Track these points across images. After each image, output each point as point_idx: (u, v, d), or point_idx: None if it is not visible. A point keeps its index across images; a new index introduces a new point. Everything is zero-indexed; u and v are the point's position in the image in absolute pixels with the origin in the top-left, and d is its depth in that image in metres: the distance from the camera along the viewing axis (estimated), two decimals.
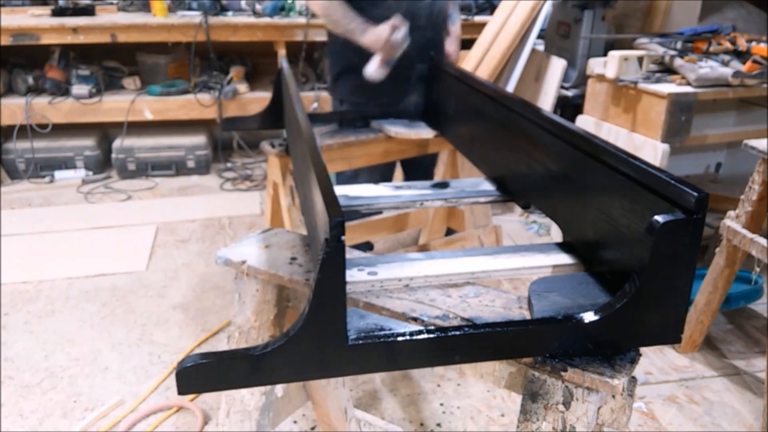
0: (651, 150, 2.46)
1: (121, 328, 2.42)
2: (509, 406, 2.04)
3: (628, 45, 2.72)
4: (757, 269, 2.10)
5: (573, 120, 2.77)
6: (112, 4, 4.01)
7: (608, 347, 0.86)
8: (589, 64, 2.71)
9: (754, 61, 2.36)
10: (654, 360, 2.27)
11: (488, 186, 1.44)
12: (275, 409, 1.30)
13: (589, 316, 0.84)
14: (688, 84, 2.42)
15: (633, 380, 0.86)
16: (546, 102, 3.27)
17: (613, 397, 0.86)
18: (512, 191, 1.36)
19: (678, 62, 2.46)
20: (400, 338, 0.82)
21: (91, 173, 3.98)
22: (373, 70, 1.94)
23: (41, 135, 3.81)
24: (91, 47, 3.82)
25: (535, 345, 0.85)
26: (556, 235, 3.08)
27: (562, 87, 3.32)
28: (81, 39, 3.63)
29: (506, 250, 1.12)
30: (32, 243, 3.10)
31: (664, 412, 2.01)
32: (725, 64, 2.44)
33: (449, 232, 2.42)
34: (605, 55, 2.60)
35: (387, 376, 2.17)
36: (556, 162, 1.14)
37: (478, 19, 3.91)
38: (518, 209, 3.49)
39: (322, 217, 0.79)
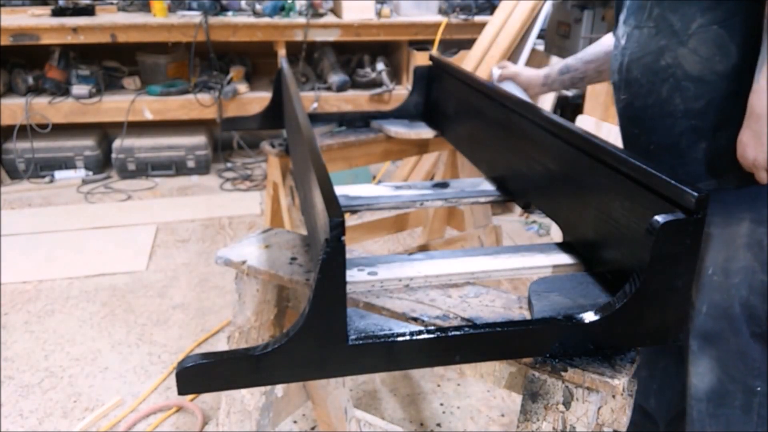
0: None
1: (121, 328, 2.42)
2: (509, 406, 2.04)
3: None
4: None
5: (573, 120, 2.76)
6: (112, 4, 4.01)
7: (608, 347, 0.86)
8: None
9: None
10: None
11: (488, 186, 1.44)
12: (275, 409, 1.30)
13: (589, 316, 0.84)
14: None
15: (633, 380, 0.86)
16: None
17: (614, 397, 0.86)
18: (512, 191, 1.36)
19: None
20: (400, 338, 0.82)
21: (91, 173, 3.98)
22: None
23: (41, 135, 3.81)
24: (91, 47, 3.82)
25: (535, 345, 0.85)
26: (556, 235, 3.08)
27: None
28: (81, 39, 3.63)
29: (506, 250, 1.12)
30: (32, 243, 3.09)
31: None
32: None
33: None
34: None
35: (387, 376, 2.17)
36: (556, 162, 1.14)
37: (478, 19, 3.90)
38: (518, 209, 3.49)
39: (322, 217, 0.79)
